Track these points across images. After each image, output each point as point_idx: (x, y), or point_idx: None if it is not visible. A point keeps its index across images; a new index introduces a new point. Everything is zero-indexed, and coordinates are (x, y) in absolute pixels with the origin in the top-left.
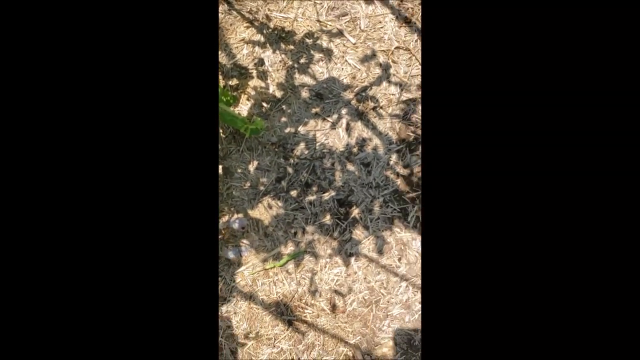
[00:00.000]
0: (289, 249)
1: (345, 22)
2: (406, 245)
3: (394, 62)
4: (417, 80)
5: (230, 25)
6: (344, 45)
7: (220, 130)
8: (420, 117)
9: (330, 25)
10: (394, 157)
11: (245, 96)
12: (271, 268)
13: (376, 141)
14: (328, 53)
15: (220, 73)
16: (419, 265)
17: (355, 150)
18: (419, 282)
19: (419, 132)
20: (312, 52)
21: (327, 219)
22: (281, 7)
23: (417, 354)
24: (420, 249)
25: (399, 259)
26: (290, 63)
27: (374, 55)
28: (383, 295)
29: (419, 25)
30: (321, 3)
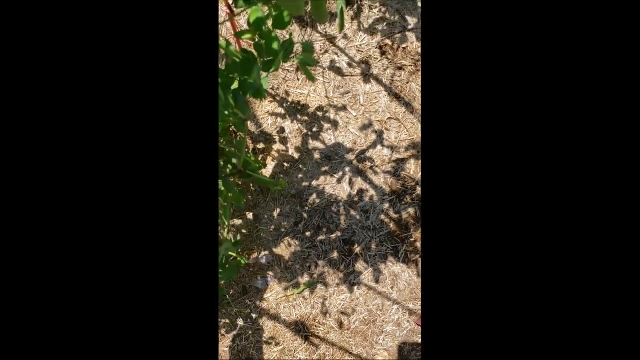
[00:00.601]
0: (305, 279)
1: (348, 98)
2: (397, 276)
3: (386, 129)
4: (405, 144)
5: (258, 99)
6: (347, 117)
7: (251, 185)
8: (408, 173)
9: (336, 100)
10: (387, 205)
11: (271, 157)
12: (291, 295)
13: (373, 193)
14: (335, 123)
15: (249, 138)
16: (408, 292)
17: (356, 199)
18: (409, 305)
19: (408, 184)
20: (322, 122)
21: (335, 255)
22: (297, 84)
23: None
24: (408, 279)
25: (392, 287)
26: (305, 131)
27: (370, 124)
28: (379, 316)
29: (407, 99)
30: (329, 82)
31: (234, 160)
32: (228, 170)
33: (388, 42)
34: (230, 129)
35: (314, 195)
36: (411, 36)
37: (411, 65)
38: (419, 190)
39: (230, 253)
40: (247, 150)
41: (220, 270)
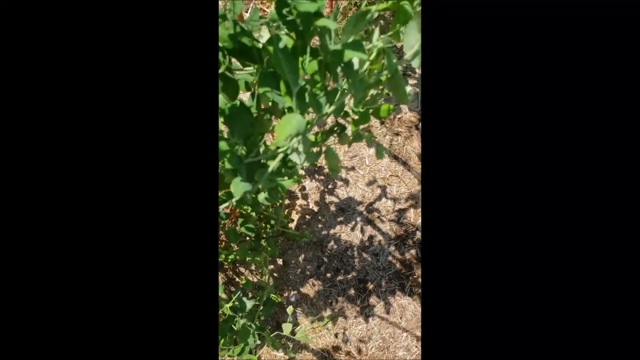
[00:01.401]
0: (327, 313)
1: (356, 160)
2: (405, 308)
3: (389, 184)
4: (405, 196)
5: None
6: (356, 176)
7: (280, 239)
8: (409, 220)
9: (346, 162)
10: (393, 248)
11: (295, 211)
12: (317, 327)
13: (381, 238)
14: (346, 181)
15: None
16: (414, 321)
17: (367, 244)
18: (416, 332)
19: (409, 230)
20: (335, 181)
21: (352, 292)
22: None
23: None
24: (414, 310)
25: (401, 317)
26: (322, 188)
27: (375, 181)
28: (391, 342)
29: (404, 159)
30: (340, 148)
31: (273, 222)
32: (269, 229)
33: None
34: None
35: (332, 242)
36: (404, 107)
37: (406, 132)
38: (418, 234)
39: (271, 295)
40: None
41: (262, 308)
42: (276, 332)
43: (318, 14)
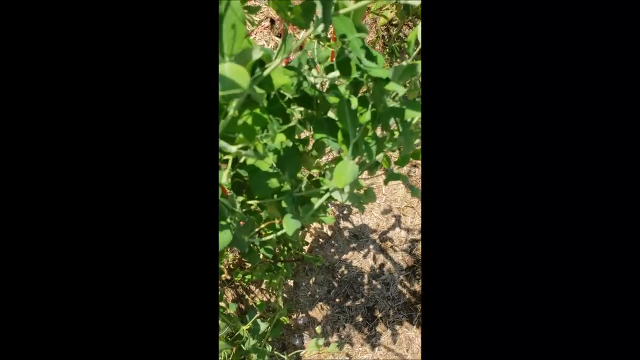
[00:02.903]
0: (335, 338)
1: (373, 189)
2: (412, 341)
3: (403, 215)
4: (419, 227)
5: None
6: (372, 204)
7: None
8: (419, 250)
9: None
10: (403, 278)
11: (309, 234)
12: (323, 352)
13: (392, 267)
14: (361, 208)
15: None
16: (420, 354)
17: (378, 272)
18: None
19: (417, 260)
20: (351, 207)
21: (360, 319)
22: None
23: None
24: (420, 344)
25: (407, 350)
26: (337, 213)
27: (390, 210)
28: None
29: (420, 189)
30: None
31: (291, 245)
32: (286, 253)
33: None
34: None
35: (343, 268)
36: None
37: None
38: None
39: (282, 318)
40: None
41: (269, 328)
42: (283, 353)
43: (388, 80)
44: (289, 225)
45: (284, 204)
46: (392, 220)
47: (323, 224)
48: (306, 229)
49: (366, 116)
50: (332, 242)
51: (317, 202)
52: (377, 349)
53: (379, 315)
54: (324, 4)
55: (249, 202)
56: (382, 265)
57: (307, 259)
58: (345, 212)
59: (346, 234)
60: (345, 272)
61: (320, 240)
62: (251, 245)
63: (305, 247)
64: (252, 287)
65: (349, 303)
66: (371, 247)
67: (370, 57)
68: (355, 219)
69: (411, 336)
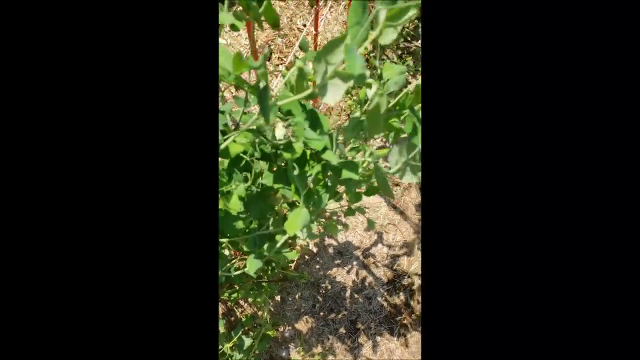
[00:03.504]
0: (319, 350)
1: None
2: (392, 352)
3: (385, 232)
4: (400, 244)
5: None
6: (356, 221)
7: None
8: (402, 267)
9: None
10: (385, 292)
11: (295, 251)
12: None
13: (374, 282)
14: (346, 226)
15: None
16: None
17: (361, 287)
18: None
19: (401, 276)
20: (336, 224)
21: (343, 331)
22: None
23: None
24: (400, 355)
25: None
26: (323, 231)
27: (373, 227)
28: None
29: (401, 209)
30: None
31: (275, 265)
32: (270, 272)
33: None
34: None
35: (328, 283)
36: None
37: (405, 183)
38: (409, 280)
39: (268, 332)
40: None
41: (255, 342)
42: None
43: (324, 150)
44: (251, 264)
45: (246, 246)
46: (374, 237)
47: (308, 241)
48: (292, 247)
49: (317, 169)
50: (318, 258)
51: (281, 240)
52: (359, 359)
53: (361, 328)
54: (261, 98)
55: (221, 239)
56: (364, 280)
57: (292, 277)
58: (340, 227)
59: (331, 250)
60: (330, 287)
61: (306, 257)
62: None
63: (292, 264)
64: (241, 302)
65: (332, 316)
66: (354, 263)
67: (315, 125)
68: (340, 237)
69: (392, 347)
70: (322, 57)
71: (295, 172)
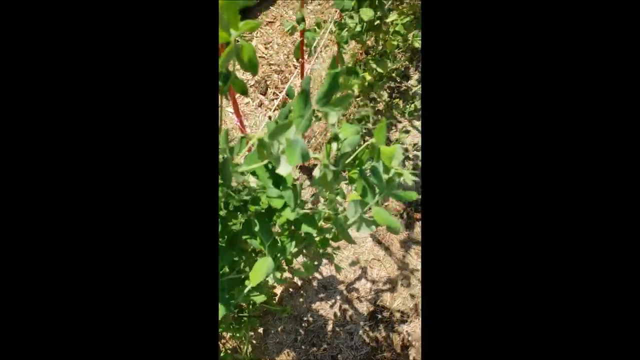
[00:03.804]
0: None
1: (342, 242)
2: None
3: (370, 267)
4: (384, 279)
5: None
6: (341, 256)
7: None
8: (384, 303)
9: (333, 243)
10: (367, 327)
11: (281, 289)
12: None
13: (357, 317)
14: (332, 257)
15: None
16: None
17: (343, 322)
18: None
19: (384, 311)
20: (321, 258)
21: None
22: None
23: None
24: None
25: None
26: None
27: (358, 262)
28: None
29: (386, 245)
30: None
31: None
32: (251, 307)
33: None
34: None
35: (310, 316)
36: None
37: None
38: (392, 316)
39: None
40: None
41: None
42: None
43: (284, 207)
44: (220, 310)
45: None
46: (358, 272)
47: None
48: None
49: (282, 220)
50: (301, 292)
51: (249, 285)
52: None
53: None
54: (223, 169)
55: None
56: (347, 315)
57: (274, 311)
58: (315, 263)
59: (315, 284)
60: (312, 320)
61: (291, 290)
62: None
63: (276, 297)
64: (224, 333)
65: (314, 350)
66: (338, 297)
67: (279, 182)
68: (325, 270)
69: None
70: (274, 136)
71: (256, 228)
